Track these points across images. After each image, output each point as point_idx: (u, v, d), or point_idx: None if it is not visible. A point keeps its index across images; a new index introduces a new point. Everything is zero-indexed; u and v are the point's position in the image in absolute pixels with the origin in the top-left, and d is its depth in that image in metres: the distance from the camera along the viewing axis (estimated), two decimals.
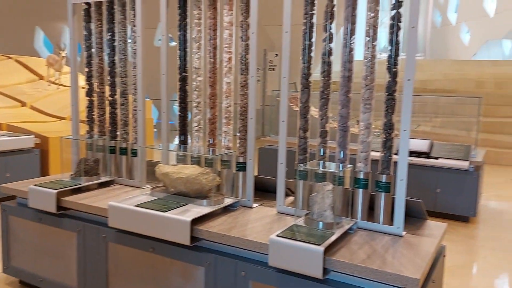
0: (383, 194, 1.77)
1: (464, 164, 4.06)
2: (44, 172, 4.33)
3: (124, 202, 1.94)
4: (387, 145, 1.77)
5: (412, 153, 4.27)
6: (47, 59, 6.08)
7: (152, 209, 1.83)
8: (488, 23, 17.91)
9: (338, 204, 1.82)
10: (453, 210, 4.18)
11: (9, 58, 6.41)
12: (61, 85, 6.04)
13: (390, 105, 1.75)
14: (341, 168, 1.81)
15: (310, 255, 1.48)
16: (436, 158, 4.19)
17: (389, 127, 1.76)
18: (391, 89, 1.74)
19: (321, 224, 1.66)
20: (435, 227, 1.86)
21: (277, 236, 1.56)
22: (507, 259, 3.55)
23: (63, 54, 5.77)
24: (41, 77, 6.28)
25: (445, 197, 4.16)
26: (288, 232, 1.59)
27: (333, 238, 1.57)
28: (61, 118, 5.23)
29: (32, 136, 4.23)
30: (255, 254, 1.68)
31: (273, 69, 10.21)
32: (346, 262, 1.47)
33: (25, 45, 11.17)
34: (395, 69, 1.73)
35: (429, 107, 7.39)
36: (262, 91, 10.19)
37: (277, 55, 9.99)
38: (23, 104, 5.43)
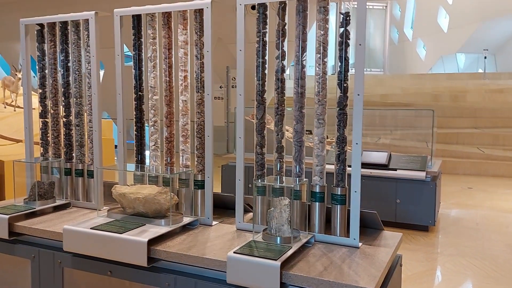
0: (338, 206, 1.81)
1: (421, 175, 4.20)
2: (0, 197, 4.17)
3: (80, 225, 1.89)
4: (341, 158, 1.81)
5: (371, 165, 4.39)
6: (3, 81, 5.91)
7: (109, 231, 1.80)
8: (442, 38, 18.72)
9: (296, 218, 1.84)
10: (412, 220, 4.30)
11: None
12: (18, 106, 5.87)
13: (342, 120, 1.80)
14: (297, 182, 1.84)
15: (267, 270, 1.48)
16: (395, 169, 4.31)
17: (342, 141, 1.81)
18: (342, 104, 1.79)
19: (279, 238, 1.68)
20: (390, 237, 1.91)
21: (234, 252, 1.56)
22: (465, 264, 3.66)
23: (20, 75, 5.62)
24: None
25: (405, 208, 4.27)
26: (246, 249, 1.59)
27: (290, 252, 1.58)
28: (18, 141, 5.07)
29: None
30: (214, 272, 1.66)
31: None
32: (303, 276, 1.49)
33: None
34: (345, 85, 1.79)
35: (389, 120, 7.62)
36: (226, 108, 10.22)
37: None
38: None
